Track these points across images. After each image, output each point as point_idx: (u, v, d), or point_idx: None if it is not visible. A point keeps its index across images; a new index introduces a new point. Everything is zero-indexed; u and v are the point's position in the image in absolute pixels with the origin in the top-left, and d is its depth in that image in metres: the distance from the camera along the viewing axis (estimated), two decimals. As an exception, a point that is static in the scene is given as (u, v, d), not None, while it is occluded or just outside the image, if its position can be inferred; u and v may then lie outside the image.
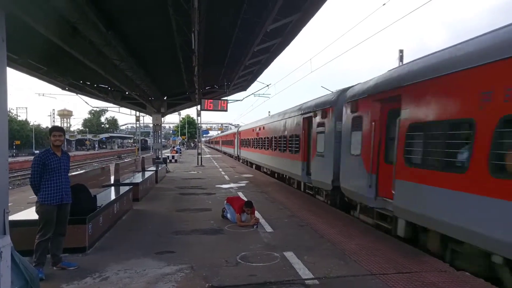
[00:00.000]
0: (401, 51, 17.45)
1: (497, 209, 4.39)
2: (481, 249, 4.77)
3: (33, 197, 5.21)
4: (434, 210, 5.57)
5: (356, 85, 9.29)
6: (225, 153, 49.37)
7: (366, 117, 7.94)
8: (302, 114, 12.71)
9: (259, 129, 21.30)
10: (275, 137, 16.83)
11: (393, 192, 6.72)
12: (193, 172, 21.36)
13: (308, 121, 12.23)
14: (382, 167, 7.46)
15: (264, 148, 19.68)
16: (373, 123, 7.57)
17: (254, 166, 24.57)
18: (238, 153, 32.79)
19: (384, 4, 9.57)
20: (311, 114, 11.72)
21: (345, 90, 9.85)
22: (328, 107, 10.42)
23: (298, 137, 13.04)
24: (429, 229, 5.96)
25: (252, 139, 24.11)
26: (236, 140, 34.53)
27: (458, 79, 5.23)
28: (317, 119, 11.14)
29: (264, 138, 19.71)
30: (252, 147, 24.35)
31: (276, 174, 17.88)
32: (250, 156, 25.37)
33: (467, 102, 5.02)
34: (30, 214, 5.69)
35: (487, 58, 4.73)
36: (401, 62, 17.86)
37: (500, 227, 4.37)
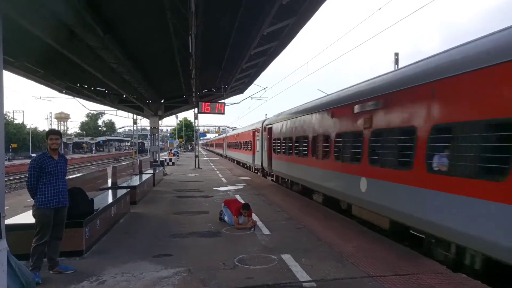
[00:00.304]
0: (396, 54, 17.60)
1: (286, 164, 14.28)
2: (291, 180, 14.11)
3: (30, 200, 5.21)
4: (281, 169, 15.04)
5: (267, 119, 18.84)
6: (217, 153, 59.84)
7: (267, 134, 17.44)
8: (252, 129, 22.89)
9: (236, 135, 32.43)
10: (242, 141, 27.63)
11: (273, 163, 16.43)
12: (190, 174, 21.36)
13: (254, 133, 22.01)
14: (272, 155, 16.50)
15: (238, 148, 30.18)
16: (268, 136, 17.27)
17: (235, 161, 33.67)
18: (226, 153, 43.53)
19: (379, 9, 9.69)
20: (254, 129, 21.91)
21: (265, 120, 19.32)
22: (259, 127, 20.10)
23: (250, 142, 23.36)
24: (280, 176, 15.87)
25: (233, 142, 34.56)
26: (224, 143, 46.46)
27: (286, 126, 14.26)
28: (256, 132, 21.23)
29: (238, 142, 30.44)
30: (233, 148, 34.95)
31: (244, 164, 28.25)
32: (232, 155, 35.96)
33: (286, 134, 14.31)
34: (26, 217, 5.65)
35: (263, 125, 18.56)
36: (396, 65, 17.99)
37: (287, 169, 14.33)
